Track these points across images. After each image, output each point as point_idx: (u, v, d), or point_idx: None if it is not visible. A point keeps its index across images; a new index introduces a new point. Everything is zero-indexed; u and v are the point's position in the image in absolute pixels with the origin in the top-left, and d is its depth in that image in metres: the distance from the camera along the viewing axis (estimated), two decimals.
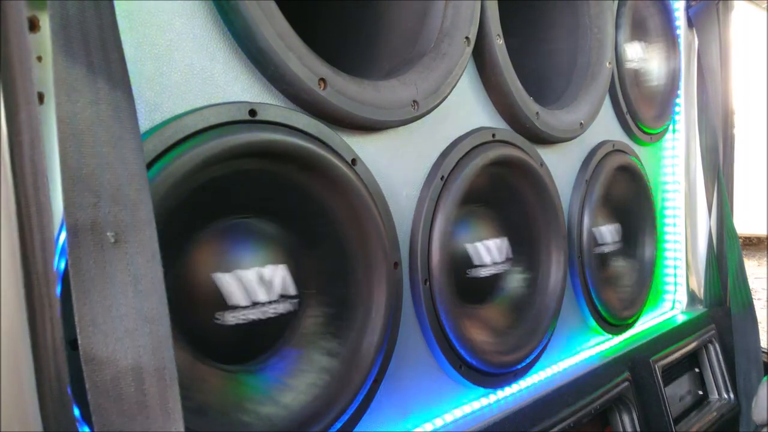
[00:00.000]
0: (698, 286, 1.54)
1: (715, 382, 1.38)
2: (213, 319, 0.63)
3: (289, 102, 0.69)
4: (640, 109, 1.31)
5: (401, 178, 0.83)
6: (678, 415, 1.25)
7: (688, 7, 1.51)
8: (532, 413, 0.92)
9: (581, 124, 1.09)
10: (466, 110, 0.93)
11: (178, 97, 0.60)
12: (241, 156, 0.61)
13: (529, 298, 1.02)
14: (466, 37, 0.85)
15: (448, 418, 0.89)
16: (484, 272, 0.97)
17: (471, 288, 0.96)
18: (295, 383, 0.67)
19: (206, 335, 0.63)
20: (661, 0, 1.39)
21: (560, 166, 1.12)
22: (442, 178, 0.86)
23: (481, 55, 0.92)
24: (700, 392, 1.36)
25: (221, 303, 0.63)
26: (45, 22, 0.49)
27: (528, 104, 0.97)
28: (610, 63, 1.17)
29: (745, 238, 5.88)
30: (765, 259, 5.30)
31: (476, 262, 0.95)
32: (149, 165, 0.56)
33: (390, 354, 0.79)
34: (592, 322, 1.18)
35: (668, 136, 1.50)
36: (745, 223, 4.92)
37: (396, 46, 0.87)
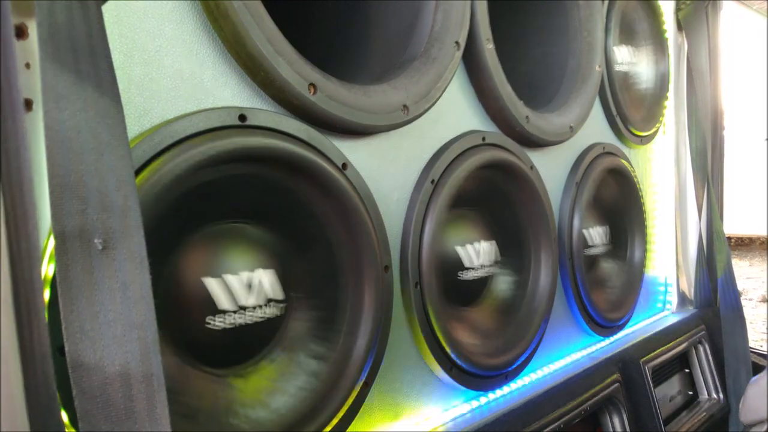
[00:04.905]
0: (688, 287, 1.56)
1: (704, 383, 1.39)
2: (202, 324, 0.63)
3: (279, 107, 0.69)
4: (629, 111, 1.32)
5: (392, 182, 0.84)
6: (668, 416, 1.26)
7: (677, 9, 1.52)
8: (522, 415, 0.92)
9: (571, 127, 1.10)
10: (456, 114, 0.94)
11: (167, 103, 0.61)
12: (230, 161, 0.61)
13: (520, 300, 1.02)
14: (456, 42, 0.86)
15: (439, 420, 0.90)
16: (475, 275, 0.97)
17: (462, 290, 0.96)
18: (285, 387, 0.68)
19: (196, 340, 0.63)
20: (650, 1, 1.40)
21: (550, 168, 1.12)
22: (432, 181, 0.87)
23: (471, 59, 0.92)
24: (690, 392, 1.37)
25: (210, 307, 0.63)
26: (33, 29, 0.49)
27: (518, 108, 0.98)
28: (599, 66, 1.18)
29: (737, 238, 5.92)
30: (756, 259, 5.34)
31: (467, 264, 0.96)
32: (139, 170, 0.56)
33: (381, 357, 0.79)
34: (583, 324, 1.19)
35: (658, 138, 1.51)
36: (738, 224, 4.96)
37: (386, 50, 0.88)
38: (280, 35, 0.65)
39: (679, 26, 1.53)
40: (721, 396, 1.38)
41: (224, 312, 0.64)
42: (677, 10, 1.52)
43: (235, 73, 0.66)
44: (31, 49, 0.49)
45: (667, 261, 1.55)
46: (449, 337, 0.87)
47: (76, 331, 0.40)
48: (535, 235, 1.03)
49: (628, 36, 1.38)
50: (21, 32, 0.49)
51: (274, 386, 0.67)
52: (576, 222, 1.15)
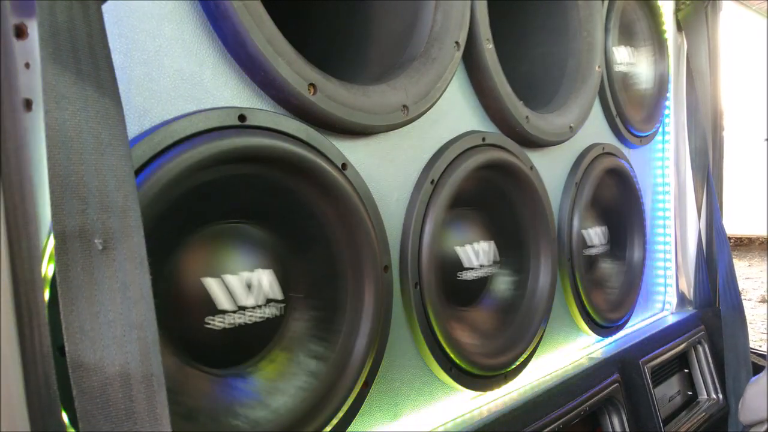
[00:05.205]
0: (688, 288, 1.56)
1: (704, 383, 1.39)
2: (202, 324, 0.63)
3: (278, 107, 0.69)
4: (629, 112, 1.32)
5: (391, 182, 0.84)
6: (667, 416, 1.26)
7: (677, 10, 1.52)
8: (522, 415, 0.92)
9: (571, 127, 1.10)
10: (456, 114, 0.94)
11: (167, 103, 0.61)
12: (230, 161, 0.61)
13: (519, 301, 1.02)
14: (456, 42, 0.86)
15: (439, 420, 0.90)
16: (474, 275, 0.97)
17: (461, 291, 0.96)
18: (285, 387, 0.68)
19: (195, 340, 0.63)
20: (650, 1, 1.40)
21: (550, 169, 1.12)
22: (432, 181, 0.87)
23: (470, 59, 0.92)
24: (690, 393, 1.37)
25: (210, 307, 0.63)
26: (33, 29, 0.49)
27: (518, 108, 0.98)
28: (599, 66, 1.18)
29: (736, 238, 5.92)
30: (756, 259, 5.34)
31: (467, 264, 0.96)
32: (139, 170, 0.56)
33: (380, 357, 0.79)
34: (582, 324, 1.19)
35: (658, 138, 1.51)
36: (737, 224, 4.96)
37: (386, 50, 0.88)
38: (280, 35, 0.65)
39: (679, 26, 1.53)
40: (721, 396, 1.38)
41: (224, 312, 0.64)
42: (677, 10, 1.52)
43: (234, 73, 0.66)
44: (30, 48, 0.49)
45: (666, 261, 1.55)
46: (448, 338, 0.87)
47: (76, 331, 0.40)
48: (535, 235, 1.03)
49: (627, 36, 1.38)
50: (20, 32, 0.49)
51: (273, 386, 0.67)
52: (575, 222, 1.15)
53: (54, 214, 0.41)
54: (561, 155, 1.16)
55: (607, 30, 1.23)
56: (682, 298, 1.56)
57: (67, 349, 0.40)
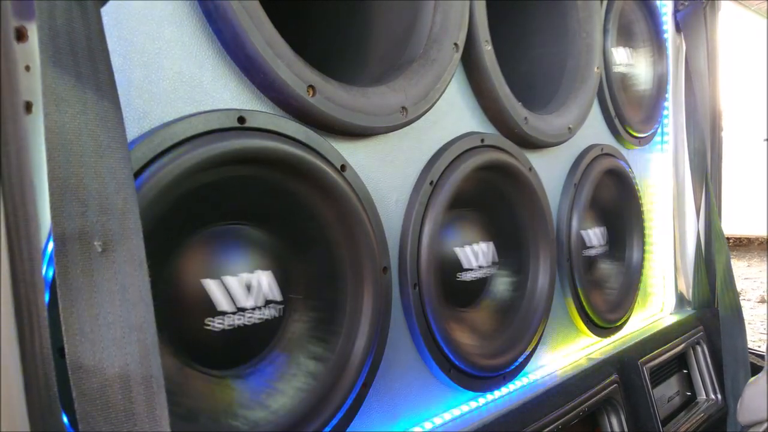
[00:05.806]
0: (686, 288, 1.56)
1: (702, 383, 1.39)
2: (201, 325, 0.63)
3: (278, 109, 0.70)
4: (628, 113, 1.32)
5: (390, 184, 0.84)
6: (666, 416, 1.26)
7: (675, 11, 1.53)
8: (521, 416, 0.92)
9: (570, 128, 1.10)
10: (455, 116, 0.94)
11: (167, 105, 0.61)
12: (230, 163, 0.61)
13: (518, 302, 1.03)
14: (455, 44, 0.86)
15: (438, 421, 0.90)
16: (473, 276, 0.97)
17: (460, 291, 0.97)
18: (284, 388, 0.68)
19: (195, 341, 0.63)
20: (648, 2, 1.41)
21: (549, 170, 1.13)
22: (431, 183, 0.87)
23: (469, 60, 0.93)
24: (688, 393, 1.38)
25: (209, 309, 0.64)
26: (33, 31, 0.49)
27: (517, 109, 0.98)
28: (598, 67, 1.18)
29: (735, 239, 5.92)
30: (755, 259, 5.34)
31: (465, 265, 0.96)
32: (138, 172, 0.56)
33: (379, 358, 0.79)
34: (581, 325, 1.19)
35: (657, 139, 1.52)
36: (736, 224, 4.96)
37: (385, 51, 0.88)
38: (279, 37, 0.65)
39: (678, 27, 1.53)
40: (719, 397, 1.38)
41: (223, 313, 0.65)
42: (675, 10, 1.52)
43: (234, 75, 0.66)
44: (30, 51, 0.49)
45: (665, 262, 1.55)
46: (447, 339, 0.87)
47: (75, 333, 0.40)
48: (534, 236, 1.03)
49: (626, 37, 1.38)
50: (21, 35, 0.49)
51: (272, 387, 0.68)
52: (574, 223, 1.15)
53: (53, 217, 0.41)
54: (560, 156, 1.16)
55: (605, 31, 1.24)
56: (680, 299, 1.57)
57: (66, 350, 0.40)
